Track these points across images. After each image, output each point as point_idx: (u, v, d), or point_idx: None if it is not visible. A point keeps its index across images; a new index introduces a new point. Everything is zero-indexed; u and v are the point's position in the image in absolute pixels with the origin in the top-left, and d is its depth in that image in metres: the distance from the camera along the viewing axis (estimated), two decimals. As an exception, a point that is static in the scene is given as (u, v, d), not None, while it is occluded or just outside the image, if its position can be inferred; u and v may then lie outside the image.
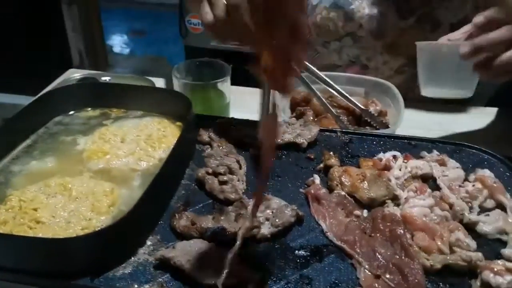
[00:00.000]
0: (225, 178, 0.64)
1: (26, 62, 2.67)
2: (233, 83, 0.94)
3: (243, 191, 0.64)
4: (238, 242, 0.52)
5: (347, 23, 1.05)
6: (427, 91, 0.89)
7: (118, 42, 3.93)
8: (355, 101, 0.94)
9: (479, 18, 0.74)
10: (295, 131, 0.76)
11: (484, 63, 0.73)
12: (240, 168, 0.67)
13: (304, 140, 0.74)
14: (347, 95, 0.95)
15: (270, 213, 0.59)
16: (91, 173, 0.66)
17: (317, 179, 0.66)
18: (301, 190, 0.65)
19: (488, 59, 0.73)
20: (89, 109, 0.80)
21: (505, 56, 0.71)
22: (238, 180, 0.65)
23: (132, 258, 0.54)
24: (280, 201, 0.61)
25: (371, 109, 0.94)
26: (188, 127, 0.70)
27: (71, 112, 0.79)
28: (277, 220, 0.58)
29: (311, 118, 0.79)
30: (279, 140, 0.74)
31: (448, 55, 0.81)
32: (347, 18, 1.04)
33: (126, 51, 3.84)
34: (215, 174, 0.65)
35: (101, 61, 3.31)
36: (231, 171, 0.65)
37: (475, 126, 0.95)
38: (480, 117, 0.98)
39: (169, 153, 0.63)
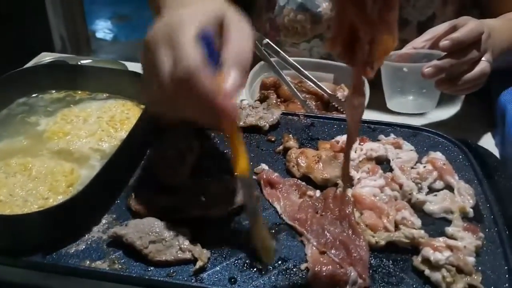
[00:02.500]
0: (172, 162, 0.65)
1: (6, 47, 2.63)
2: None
3: (188, 175, 0.64)
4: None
5: (314, 25, 1.04)
6: (392, 106, 0.92)
7: (101, 27, 3.88)
8: (323, 87, 0.95)
9: (446, 43, 0.76)
10: (258, 114, 0.77)
11: (447, 80, 0.78)
12: (191, 153, 0.67)
13: (266, 123, 0.75)
14: (315, 80, 0.97)
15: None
16: (51, 153, 0.67)
17: (264, 166, 0.66)
18: (253, 177, 0.65)
19: (450, 76, 0.77)
20: (54, 91, 0.80)
21: (467, 77, 0.76)
22: (184, 165, 0.65)
23: (86, 236, 0.55)
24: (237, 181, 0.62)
25: (339, 94, 0.95)
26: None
27: (35, 94, 0.79)
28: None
29: (274, 101, 0.80)
30: (241, 123, 0.75)
31: (410, 74, 0.84)
32: (314, 20, 1.03)
33: (110, 36, 3.80)
34: (165, 158, 0.65)
35: (83, 47, 3.27)
36: (182, 156, 0.66)
37: (439, 112, 0.96)
38: (445, 106, 1.00)
39: (127, 134, 0.63)
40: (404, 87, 0.88)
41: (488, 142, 0.86)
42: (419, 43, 0.86)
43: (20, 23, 2.69)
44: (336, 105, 0.95)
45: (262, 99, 0.82)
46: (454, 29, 0.76)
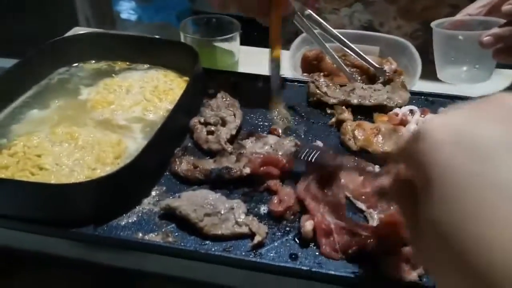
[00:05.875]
0: (212, 128, 0.62)
1: (32, 27, 2.61)
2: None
3: (225, 140, 0.61)
4: None
5: None
6: (443, 76, 0.86)
7: (125, 8, 3.85)
8: (369, 60, 0.91)
9: (509, 7, 0.70)
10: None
11: (506, 49, 0.72)
12: (234, 120, 0.64)
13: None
14: (361, 53, 0.92)
15: (270, 148, 0.58)
16: (95, 123, 0.64)
17: (319, 143, 0.63)
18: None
19: (509, 45, 0.71)
20: (94, 61, 0.77)
21: None
22: (225, 131, 0.62)
23: (137, 208, 0.53)
24: (276, 137, 0.61)
25: (386, 67, 0.90)
26: (195, 78, 0.67)
27: (75, 64, 0.77)
28: (280, 152, 0.57)
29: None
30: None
31: (466, 42, 0.78)
32: None
33: (134, 17, 3.77)
34: (206, 124, 0.63)
35: (108, 28, 3.26)
36: (223, 123, 0.63)
37: (494, 88, 0.91)
38: (499, 79, 0.94)
39: (174, 104, 0.60)
40: (457, 56, 0.83)
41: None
42: (474, 9, 0.80)
43: (46, 4, 2.68)
44: (382, 79, 0.90)
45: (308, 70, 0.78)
46: None
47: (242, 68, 0.92)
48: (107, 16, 3.24)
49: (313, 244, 0.49)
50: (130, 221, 0.51)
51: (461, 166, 0.25)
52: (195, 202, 0.51)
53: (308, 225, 0.48)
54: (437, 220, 0.26)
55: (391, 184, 0.35)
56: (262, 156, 0.57)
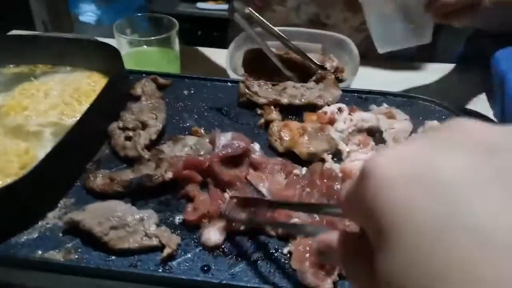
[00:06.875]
0: (131, 133, 0.58)
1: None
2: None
3: (143, 146, 0.57)
4: None
5: None
6: (381, 47, 0.81)
7: (84, 11, 3.75)
8: (310, 58, 0.89)
9: None
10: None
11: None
12: (155, 124, 0.60)
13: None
14: (303, 51, 0.90)
15: (190, 149, 0.55)
16: (6, 130, 0.60)
17: (256, 145, 0.59)
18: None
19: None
20: (12, 65, 0.72)
21: None
22: (145, 136, 0.59)
23: (40, 223, 0.49)
24: (195, 138, 0.58)
25: (327, 65, 0.88)
26: (115, 79, 0.63)
27: (-8, 69, 0.71)
28: (201, 152, 0.55)
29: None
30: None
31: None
32: None
33: (93, 19, 3.67)
34: (125, 129, 0.59)
35: (66, 30, 3.16)
36: (144, 127, 0.59)
37: (435, 83, 0.90)
38: (439, 74, 0.93)
39: (88, 106, 0.56)
40: (388, 16, 0.75)
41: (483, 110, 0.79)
42: None
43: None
44: (315, 77, 0.88)
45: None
46: None
47: (184, 68, 0.89)
48: (64, 19, 3.14)
49: (228, 255, 0.46)
50: (31, 237, 0.47)
51: (422, 208, 0.20)
52: (100, 214, 0.47)
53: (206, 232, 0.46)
54: (397, 277, 0.20)
55: (338, 242, 0.29)
56: (183, 158, 0.53)
